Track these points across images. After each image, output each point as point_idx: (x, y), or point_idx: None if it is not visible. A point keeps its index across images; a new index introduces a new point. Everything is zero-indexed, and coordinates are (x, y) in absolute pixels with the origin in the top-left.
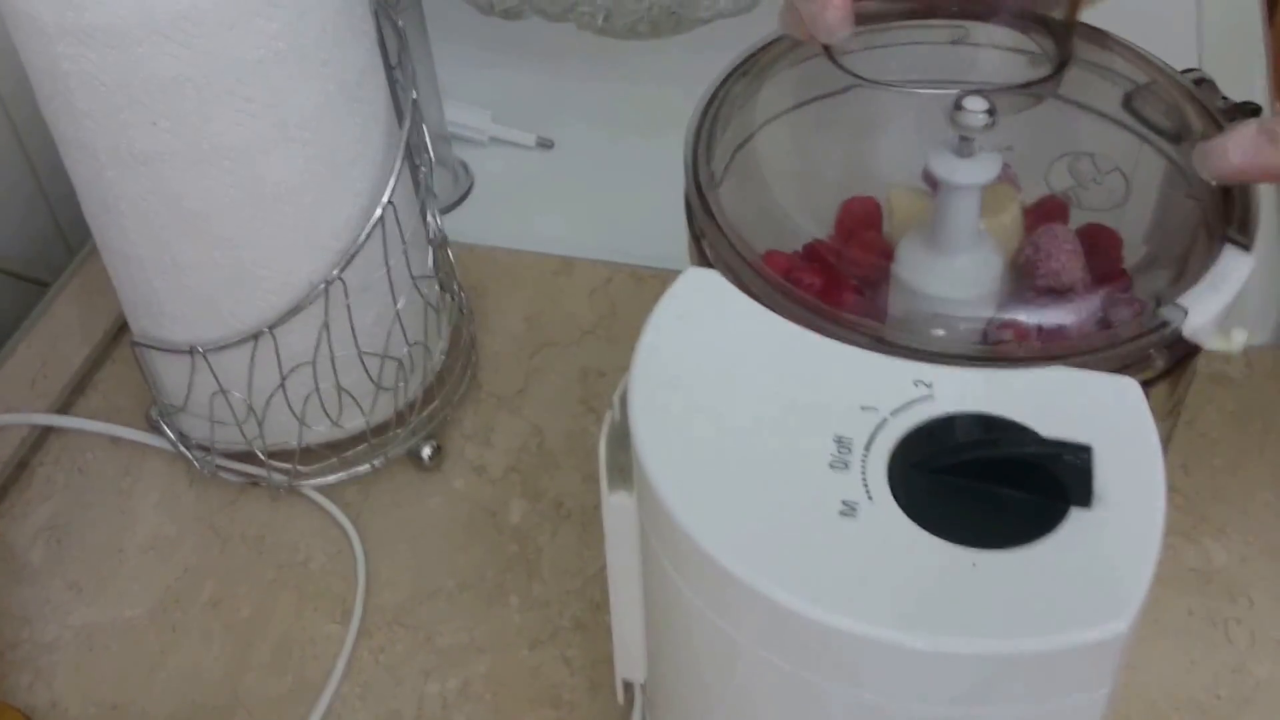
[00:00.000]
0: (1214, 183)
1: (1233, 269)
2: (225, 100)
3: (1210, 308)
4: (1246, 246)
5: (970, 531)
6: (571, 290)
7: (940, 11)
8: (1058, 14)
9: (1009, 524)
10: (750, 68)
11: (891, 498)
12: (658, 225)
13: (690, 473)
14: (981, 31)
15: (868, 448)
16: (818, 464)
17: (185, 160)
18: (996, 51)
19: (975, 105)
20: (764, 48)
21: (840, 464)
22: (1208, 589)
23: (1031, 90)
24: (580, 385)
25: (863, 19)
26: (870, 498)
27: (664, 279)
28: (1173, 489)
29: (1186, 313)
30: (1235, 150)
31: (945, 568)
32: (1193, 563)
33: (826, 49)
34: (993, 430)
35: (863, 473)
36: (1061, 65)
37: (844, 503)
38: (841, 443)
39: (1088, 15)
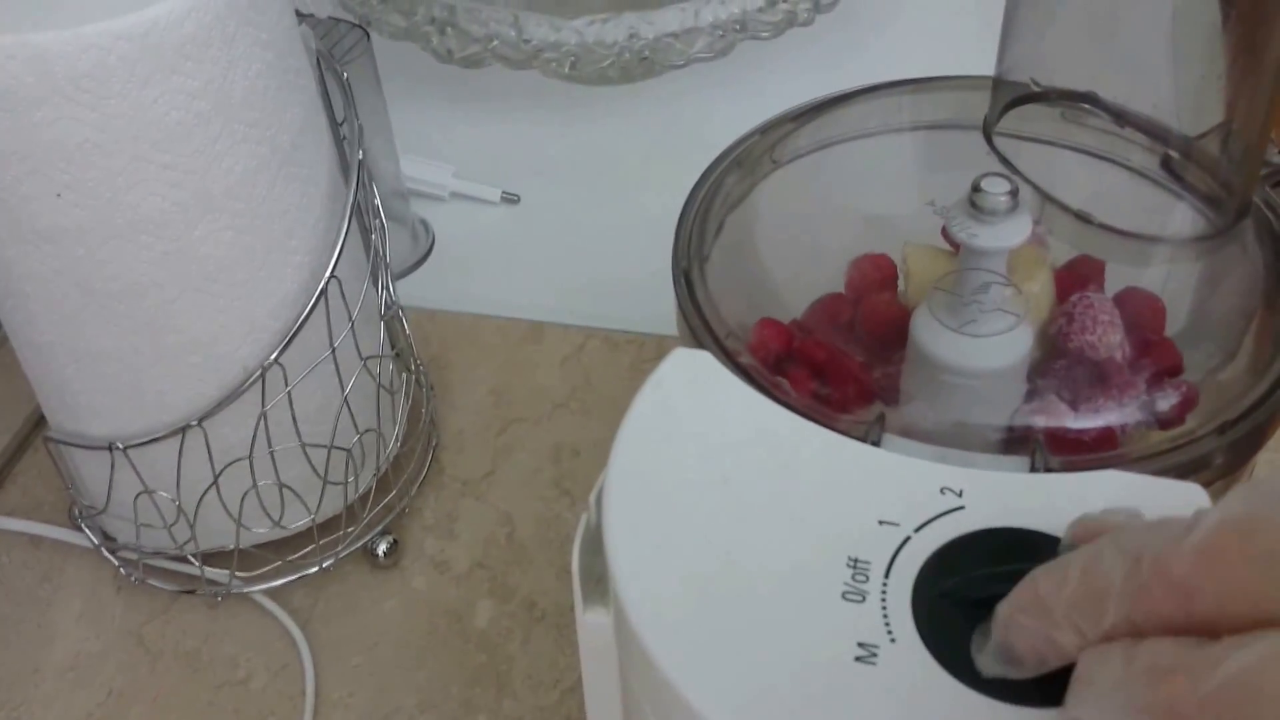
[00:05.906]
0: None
1: None
2: (140, 168)
3: None
4: None
5: (1014, 682)
6: (541, 359)
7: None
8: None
9: (1059, 671)
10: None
11: (919, 638)
12: (633, 285)
13: (675, 605)
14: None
15: (888, 574)
16: (829, 595)
17: (97, 236)
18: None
19: (995, 187)
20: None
21: (855, 594)
22: None
23: (1204, 244)
24: (553, 465)
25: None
26: (893, 639)
27: (640, 345)
28: None
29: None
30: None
31: None
32: None
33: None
34: (1038, 552)
35: (883, 606)
36: (1239, 216)
37: (861, 645)
38: (857, 567)
39: None
